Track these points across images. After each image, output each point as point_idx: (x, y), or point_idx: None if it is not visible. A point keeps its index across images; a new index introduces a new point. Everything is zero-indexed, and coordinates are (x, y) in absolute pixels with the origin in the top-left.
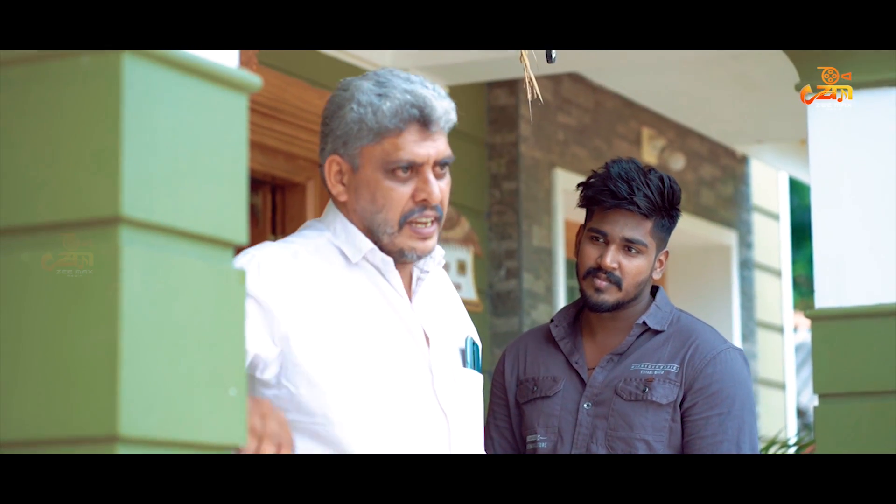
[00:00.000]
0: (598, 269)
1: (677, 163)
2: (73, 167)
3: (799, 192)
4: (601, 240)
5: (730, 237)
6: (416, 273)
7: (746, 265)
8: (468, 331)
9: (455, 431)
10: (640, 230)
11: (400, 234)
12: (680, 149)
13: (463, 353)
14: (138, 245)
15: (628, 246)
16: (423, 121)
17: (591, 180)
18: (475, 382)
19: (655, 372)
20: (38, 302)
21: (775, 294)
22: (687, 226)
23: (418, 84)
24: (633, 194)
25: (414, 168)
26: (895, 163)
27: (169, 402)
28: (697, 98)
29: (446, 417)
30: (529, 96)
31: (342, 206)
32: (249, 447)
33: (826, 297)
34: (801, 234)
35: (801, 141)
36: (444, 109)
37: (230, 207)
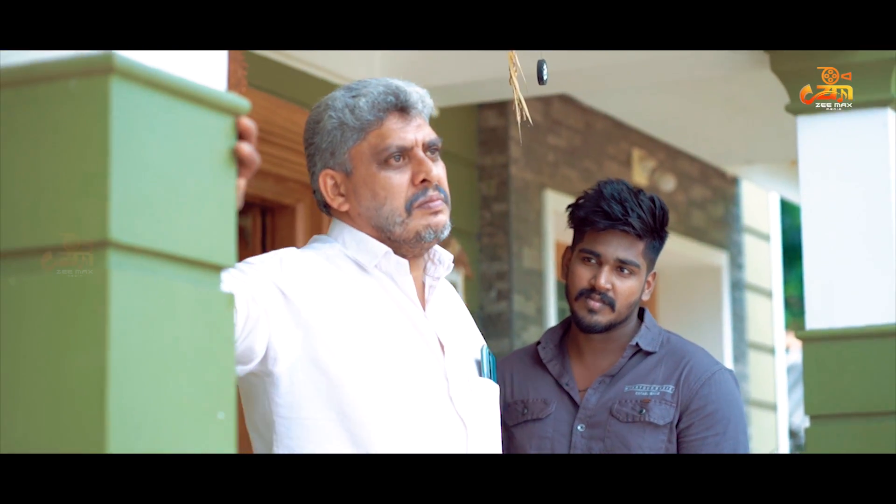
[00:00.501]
0: (592, 290)
1: (668, 184)
2: (62, 191)
3: (790, 213)
4: (593, 260)
5: (721, 258)
6: (427, 281)
7: (737, 286)
8: (481, 341)
9: (473, 439)
10: (633, 251)
11: (411, 217)
12: (670, 170)
13: (478, 363)
14: (127, 269)
15: (621, 267)
16: (400, 107)
17: (583, 201)
18: (492, 392)
19: (651, 393)
20: (25, 326)
21: (766, 315)
22: (678, 247)
23: (387, 79)
24: (628, 215)
25: (405, 154)
26: (885, 183)
27: (157, 425)
28: (688, 119)
29: (464, 424)
30: (519, 118)
31: (346, 217)
32: None
33: (817, 318)
34: (793, 254)
35: (792, 162)
36: (419, 94)
37: (219, 231)
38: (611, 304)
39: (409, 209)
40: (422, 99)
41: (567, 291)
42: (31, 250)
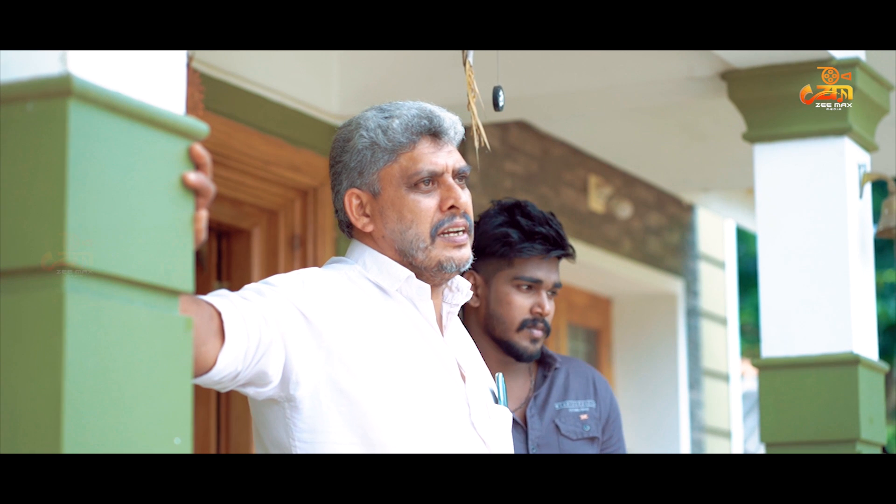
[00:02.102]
0: (535, 319)
1: (624, 210)
2: (18, 214)
3: (745, 241)
4: (528, 287)
5: (676, 285)
6: (445, 308)
7: (693, 313)
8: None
9: None
10: (558, 272)
11: (434, 245)
12: (627, 197)
13: (492, 391)
14: (83, 293)
15: (553, 290)
16: (433, 131)
17: (504, 227)
18: (508, 419)
19: (582, 409)
20: None
21: (721, 342)
22: (633, 274)
23: (420, 102)
24: (564, 239)
25: (435, 179)
26: (841, 212)
27: (112, 451)
28: (644, 146)
29: (487, 449)
30: (477, 144)
31: (369, 239)
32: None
33: (773, 346)
34: (747, 281)
35: (748, 189)
36: (451, 120)
37: (176, 255)
38: (548, 330)
39: (433, 235)
40: (454, 125)
41: (500, 322)
42: None
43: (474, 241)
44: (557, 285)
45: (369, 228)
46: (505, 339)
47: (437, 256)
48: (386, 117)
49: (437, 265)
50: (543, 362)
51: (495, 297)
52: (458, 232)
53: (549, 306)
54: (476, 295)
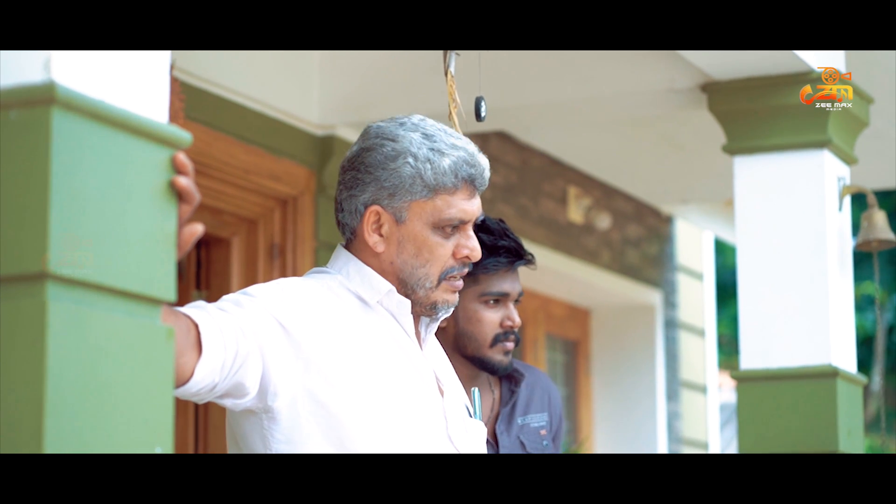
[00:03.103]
0: (506, 332)
1: (603, 222)
2: (0, 222)
3: (723, 252)
4: (496, 301)
5: (654, 297)
6: (423, 322)
7: (671, 325)
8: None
9: None
10: (520, 281)
11: (437, 289)
12: (606, 208)
13: (467, 406)
14: (65, 301)
15: (517, 300)
16: (473, 181)
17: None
18: (483, 433)
19: (540, 423)
20: None
21: (699, 354)
22: (611, 285)
23: (463, 140)
24: (523, 247)
25: (459, 226)
26: (821, 224)
27: None
28: (623, 157)
29: None
30: None
31: (361, 251)
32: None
33: (751, 358)
34: (725, 293)
35: (727, 201)
36: (487, 169)
37: (158, 264)
38: (518, 340)
39: (440, 279)
40: (488, 173)
41: (472, 340)
42: None
43: None
44: (521, 294)
45: (380, 249)
46: (478, 355)
47: (436, 298)
48: (433, 149)
49: (432, 304)
50: (509, 376)
51: (464, 316)
52: (458, 278)
53: (517, 317)
54: None
